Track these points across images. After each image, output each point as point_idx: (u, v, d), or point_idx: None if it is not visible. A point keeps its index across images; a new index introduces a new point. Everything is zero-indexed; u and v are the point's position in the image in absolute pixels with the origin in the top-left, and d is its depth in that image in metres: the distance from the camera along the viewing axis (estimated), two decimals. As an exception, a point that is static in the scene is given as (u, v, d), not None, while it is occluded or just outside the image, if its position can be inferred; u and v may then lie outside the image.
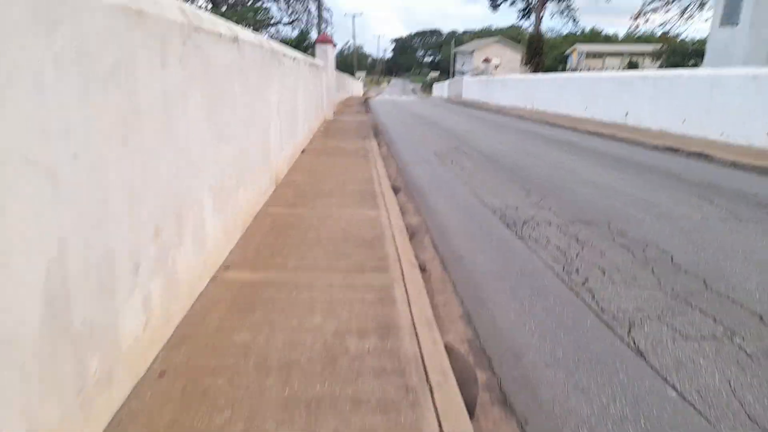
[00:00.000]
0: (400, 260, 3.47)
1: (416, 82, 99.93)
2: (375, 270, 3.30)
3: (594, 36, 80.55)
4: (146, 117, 2.13)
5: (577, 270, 3.67)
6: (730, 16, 17.05)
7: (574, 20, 37.95)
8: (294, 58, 7.50)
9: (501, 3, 37.04)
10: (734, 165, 8.20)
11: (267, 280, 3.15)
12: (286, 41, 31.31)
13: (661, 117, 12.02)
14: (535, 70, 34.44)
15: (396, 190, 6.13)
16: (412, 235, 4.43)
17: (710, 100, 10.47)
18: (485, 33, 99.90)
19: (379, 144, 10.27)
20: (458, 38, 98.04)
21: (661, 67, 40.36)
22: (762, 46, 15.70)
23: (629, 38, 78.18)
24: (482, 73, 39.04)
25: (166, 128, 2.37)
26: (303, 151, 8.77)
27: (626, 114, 13.55)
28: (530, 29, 34.65)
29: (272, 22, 45.54)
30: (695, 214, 5.19)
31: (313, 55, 16.12)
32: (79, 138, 1.60)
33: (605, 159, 8.79)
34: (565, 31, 41.97)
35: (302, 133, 9.09)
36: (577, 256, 3.95)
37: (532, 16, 36.79)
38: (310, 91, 11.36)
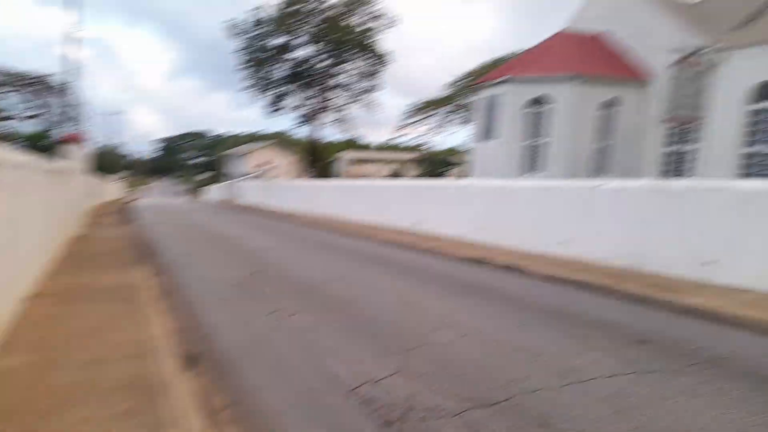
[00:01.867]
0: None
1: (186, 184, 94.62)
2: None
3: (354, 143, 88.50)
4: None
5: None
6: (489, 133, 19.68)
7: (349, 129, 40.44)
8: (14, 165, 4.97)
9: (278, 110, 37.53)
10: (551, 279, 8.21)
11: None
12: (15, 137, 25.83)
13: (457, 225, 12.30)
14: (317, 175, 35.17)
15: (192, 362, 4.00)
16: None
17: (505, 209, 10.98)
18: (257, 137, 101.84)
19: (152, 272, 7.81)
20: (229, 141, 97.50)
21: (423, 173, 45.66)
22: (514, 155, 18.35)
23: (389, 147, 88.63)
24: (260, 176, 38.27)
25: None
26: (37, 295, 5.89)
27: (418, 221, 13.70)
28: (306, 134, 35.56)
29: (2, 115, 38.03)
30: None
31: (57, 155, 12.81)
32: None
33: (434, 282, 7.87)
34: (333, 137, 45.10)
35: (32, 268, 6.20)
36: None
37: (310, 125, 38.24)
38: (48, 204, 8.42)
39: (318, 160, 35.51)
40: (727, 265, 6.70)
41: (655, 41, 18.70)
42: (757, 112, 15.44)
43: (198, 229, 15.68)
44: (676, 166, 17.89)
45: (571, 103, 17.95)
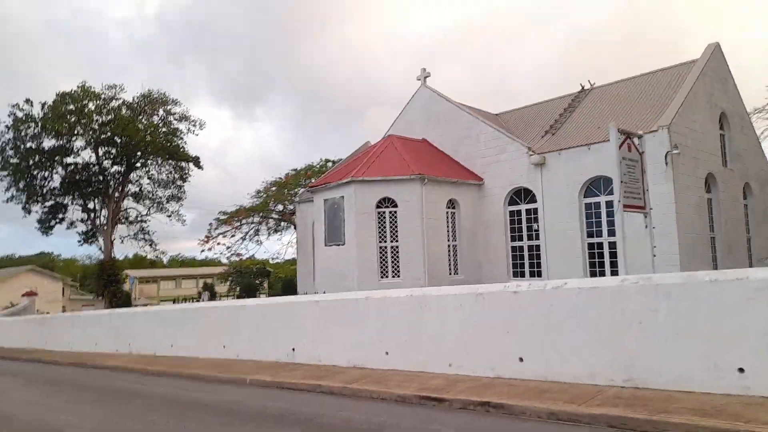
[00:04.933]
0: None
1: None
2: None
3: (140, 261, 77.87)
4: None
5: None
6: (333, 237, 17.91)
7: (152, 243, 34.66)
8: None
9: (54, 225, 30.36)
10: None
11: None
12: None
13: (347, 350, 9.74)
14: (113, 300, 28.47)
15: None
16: None
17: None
18: (7, 262, 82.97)
19: None
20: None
21: (232, 288, 41.28)
22: (369, 259, 16.84)
23: (184, 262, 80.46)
24: (23, 310, 29.67)
25: None
26: None
27: (293, 350, 10.69)
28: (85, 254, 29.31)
29: None
30: None
31: None
32: None
33: None
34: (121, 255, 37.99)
35: None
36: None
37: (98, 241, 31.49)
38: None
39: (115, 282, 29.09)
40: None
41: (476, 147, 20.07)
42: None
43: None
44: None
45: (419, 204, 17.60)
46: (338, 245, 17.85)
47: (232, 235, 36.22)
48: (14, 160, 29.60)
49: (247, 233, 37.43)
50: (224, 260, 42.15)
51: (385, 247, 17.56)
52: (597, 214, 16.65)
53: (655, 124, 15.09)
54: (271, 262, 44.87)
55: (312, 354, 10.42)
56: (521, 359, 7.22)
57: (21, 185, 29.82)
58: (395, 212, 17.69)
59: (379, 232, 17.58)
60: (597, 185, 16.66)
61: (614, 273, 15.14)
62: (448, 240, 18.52)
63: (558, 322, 6.91)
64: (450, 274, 18.19)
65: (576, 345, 6.75)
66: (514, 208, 18.94)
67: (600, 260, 16.40)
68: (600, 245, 16.50)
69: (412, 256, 17.28)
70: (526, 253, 18.46)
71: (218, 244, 34.64)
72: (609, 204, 15.85)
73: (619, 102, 19.38)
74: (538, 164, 17.87)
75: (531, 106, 23.84)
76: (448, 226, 18.58)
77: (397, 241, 17.51)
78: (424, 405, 6.61)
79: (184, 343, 13.73)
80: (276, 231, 39.12)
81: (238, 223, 36.66)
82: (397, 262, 17.40)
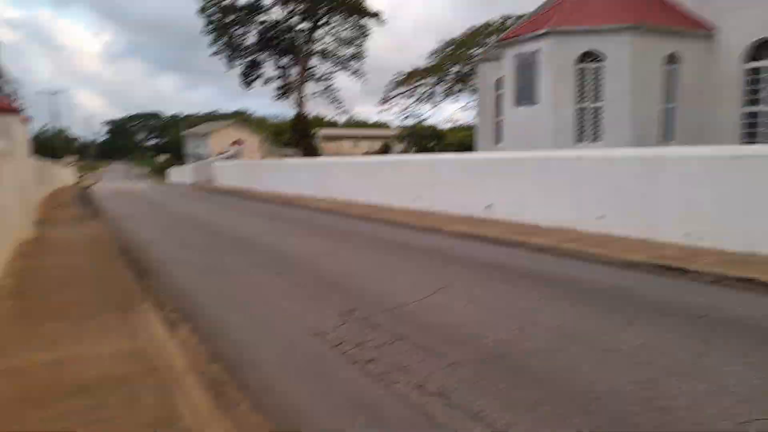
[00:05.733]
0: None
1: (141, 166, 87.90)
2: None
3: (317, 123, 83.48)
4: None
5: None
6: (524, 96, 16.54)
7: (337, 100, 36.54)
8: None
9: (253, 80, 33.28)
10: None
11: None
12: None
13: (552, 210, 9.25)
14: (306, 152, 31.35)
15: None
16: None
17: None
18: (212, 117, 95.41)
19: (170, 322, 4.47)
20: (184, 121, 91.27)
21: (407, 149, 42.42)
22: (566, 124, 15.32)
23: (361, 123, 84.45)
24: (234, 156, 34.21)
25: None
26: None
27: (489, 206, 10.56)
28: (278, 111, 31.63)
29: None
30: None
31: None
32: None
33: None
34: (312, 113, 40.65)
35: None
36: None
37: (291, 97, 34.06)
38: None
39: (304, 136, 31.64)
40: None
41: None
42: None
43: (195, 225, 12.09)
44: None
45: (630, 59, 15.06)
46: (529, 105, 16.47)
47: (408, 97, 36.20)
48: (217, 16, 32.06)
49: (422, 95, 37.09)
50: (399, 123, 43.01)
51: (584, 108, 15.73)
52: None
53: None
54: (442, 128, 44.65)
55: (510, 211, 10.10)
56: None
57: (223, 41, 32.59)
58: (599, 68, 15.44)
59: (578, 91, 15.68)
60: None
61: None
62: (663, 102, 15.90)
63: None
64: (663, 140, 15.86)
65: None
66: (755, 65, 15.25)
67: None
68: None
69: (617, 119, 15.27)
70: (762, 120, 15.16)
71: (395, 105, 35.01)
72: None
73: None
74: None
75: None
76: (663, 85, 15.83)
77: (598, 101, 15.50)
78: (662, 274, 5.90)
79: (378, 192, 14.48)
80: (449, 95, 38.08)
81: (414, 85, 36.28)
82: (598, 124, 15.57)
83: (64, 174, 33.92)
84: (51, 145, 63.76)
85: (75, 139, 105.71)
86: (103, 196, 23.75)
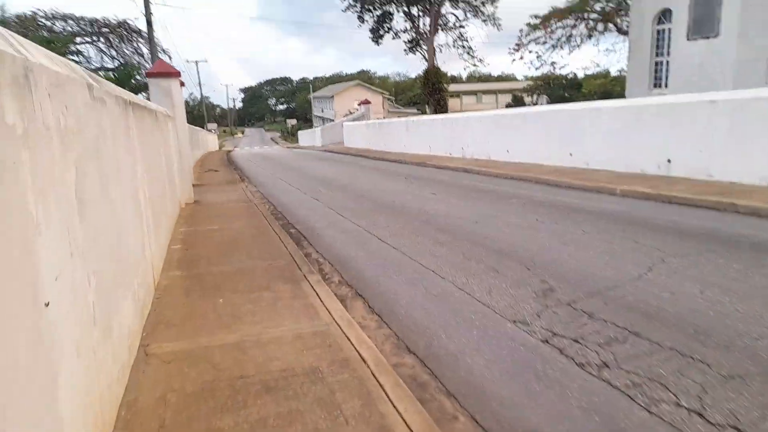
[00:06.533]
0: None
1: (273, 131, 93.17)
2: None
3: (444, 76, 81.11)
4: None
5: None
6: (702, 27, 13.88)
7: (470, 52, 34.87)
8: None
9: (384, 34, 32.75)
10: None
11: None
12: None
13: (755, 165, 7.49)
14: (437, 108, 30.39)
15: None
16: None
17: None
18: (336, 79, 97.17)
19: (352, 297, 4.04)
20: (311, 84, 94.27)
21: (541, 100, 39.45)
22: (758, 58, 12.54)
23: (475, 78, 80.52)
24: (362, 117, 34.32)
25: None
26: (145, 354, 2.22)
27: (668, 162, 8.90)
28: (398, 69, 30.73)
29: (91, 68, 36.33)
30: None
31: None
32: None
33: None
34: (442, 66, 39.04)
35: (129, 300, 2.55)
36: None
37: (421, 49, 33.04)
38: (153, 162, 4.94)
39: (438, 90, 30.38)
40: None
41: None
42: None
43: (337, 187, 11.97)
44: None
45: None
46: (708, 37, 13.82)
47: (544, 42, 33.11)
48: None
49: (558, 40, 33.72)
50: (533, 72, 39.90)
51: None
52: None
53: None
54: (578, 76, 40.62)
55: (696, 167, 8.43)
56: None
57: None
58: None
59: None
60: None
61: None
62: None
63: None
64: None
65: None
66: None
67: None
68: None
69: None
70: None
71: (529, 52, 32.27)
72: None
73: None
74: None
75: None
76: None
77: (805, 29, 12.50)
78: None
79: (521, 148, 13.20)
80: (590, 37, 34.15)
81: (551, 29, 32.96)
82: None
83: (209, 139, 36.64)
84: (195, 113, 69.76)
85: (216, 106, 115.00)
86: (244, 159, 25.12)
